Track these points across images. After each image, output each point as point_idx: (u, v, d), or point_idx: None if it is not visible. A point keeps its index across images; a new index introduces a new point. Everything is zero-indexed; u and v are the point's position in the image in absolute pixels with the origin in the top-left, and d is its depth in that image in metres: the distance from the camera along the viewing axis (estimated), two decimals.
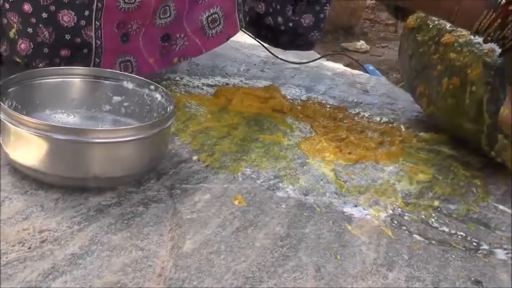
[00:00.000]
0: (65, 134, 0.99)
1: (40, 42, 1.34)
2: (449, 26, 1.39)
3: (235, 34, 1.46)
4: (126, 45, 1.38)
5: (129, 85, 1.23)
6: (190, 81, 1.60)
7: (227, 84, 1.62)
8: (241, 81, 1.66)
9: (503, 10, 1.20)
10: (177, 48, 1.46)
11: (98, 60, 1.39)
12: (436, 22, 1.44)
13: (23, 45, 1.33)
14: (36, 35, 1.33)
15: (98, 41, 1.37)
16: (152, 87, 1.21)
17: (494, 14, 1.21)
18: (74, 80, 1.23)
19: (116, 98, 1.23)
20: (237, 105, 1.44)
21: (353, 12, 4.26)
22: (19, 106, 1.13)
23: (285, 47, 1.65)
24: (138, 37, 1.40)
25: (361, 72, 2.00)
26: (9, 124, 1.01)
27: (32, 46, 1.33)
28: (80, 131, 1.02)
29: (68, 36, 1.33)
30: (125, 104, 1.23)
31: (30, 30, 1.31)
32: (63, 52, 1.35)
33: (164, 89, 1.20)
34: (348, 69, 2.01)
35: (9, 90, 1.12)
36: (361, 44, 3.90)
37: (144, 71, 1.44)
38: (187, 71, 1.69)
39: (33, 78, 1.18)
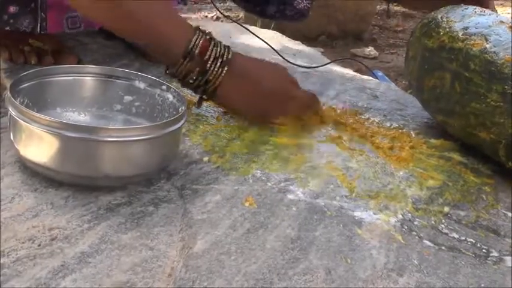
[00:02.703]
0: (76, 132, 0.99)
1: None
2: (462, 34, 1.38)
3: None
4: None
5: (141, 85, 1.23)
6: None
7: None
8: None
9: (200, 57, 1.26)
10: None
11: (43, 16, 1.42)
12: (448, 29, 1.43)
13: None
14: None
15: None
16: (164, 87, 1.21)
17: (193, 60, 1.26)
18: (86, 78, 1.22)
19: (127, 98, 1.23)
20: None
21: (362, 18, 4.26)
22: (30, 103, 1.13)
23: (274, 17, 1.66)
24: None
25: (370, 78, 2.00)
26: (21, 121, 1.01)
27: None
28: (91, 129, 1.02)
29: None
30: (136, 103, 1.23)
31: None
32: (12, 9, 1.37)
33: (176, 89, 1.20)
34: (358, 74, 2.01)
35: (21, 87, 1.12)
36: (370, 50, 3.90)
37: (91, 25, 1.53)
38: None
39: (44, 76, 1.18)
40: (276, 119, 1.36)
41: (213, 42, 1.28)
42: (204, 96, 1.33)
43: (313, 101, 1.43)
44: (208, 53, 1.26)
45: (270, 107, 1.36)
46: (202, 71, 1.27)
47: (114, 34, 1.77)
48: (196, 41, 1.26)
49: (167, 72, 1.32)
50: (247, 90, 1.32)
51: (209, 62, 1.26)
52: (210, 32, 1.31)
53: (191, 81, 1.28)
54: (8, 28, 1.46)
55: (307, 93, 1.41)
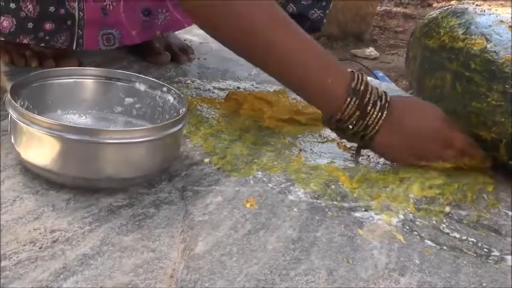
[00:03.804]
0: (77, 134, 0.99)
1: (24, 17, 1.35)
2: (462, 34, 1.38)
3: None
4: (107, 18, 1.40)
5: (142, 87, 1.23)
6: (202, 85, 1.60)
7: (238, 88, 1.62)
8: (252, 85, 1.65)
9: (363, 99, 1.20)
10: (159, 22, 1.53)
11: (80, 33, 1.42)
12: (448, 29, 1.43)
13: (5, 23, 1.34)
14: (20, 10, 1.33)
15: (80, 13, 1.40)
16: (165, 89, 1.21)
17: (356, 103, 1.20)
18: (86, 80, 1.22)
19: (128, 100, 1.23)
20: (248, 109, 1.44)
21: (363, 19, 4.25)
22: (31, 106, 1.13)
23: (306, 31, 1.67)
24: (118, 10, 1.44)
25: (371, 79, 2.00)
26: (22, 123, 1.01)
27: (15, 22, 1.34)
28: (92, 131, 1.02)
29: (52, 9, 1.34)
30: (137, 105, 1.23)
31: (13, 5, 1.32)
32: (48, 26, 1.37)
33: (177, 91, 1.19)
34: (372, 85, 2.00)
35: (22, 90, 1.13)
36: (371, 51, 3.90)
37: (126, 42, 1.50)
38: (198, 74, 1.69)
39: (45, 79, 1.18)
40: (432, 162, 1.29)
41: (370, 84, 1.24)
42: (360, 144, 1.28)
43: (471, 147, 1.32)
44: (368, 95, 1.21)
45: (429, 153, 1.29)
46: (363, 114, 1.21)
47: None
48: (359, 78, 1.22)
49: (324, 121, 1.27)
50: (406, 135, 1.26)
51: (370, 105, 1.20)
52: (363, 72, 1.27)
53: (351, 126, 1.22)
54: (43, 44, 1.46)
55: (466, 138, 1.32)
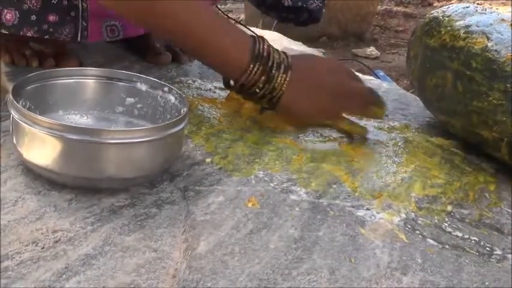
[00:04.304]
0: (79, 134, 0.99)
1: (27, 9, 1.35)
2: (463, 32, 1.38)
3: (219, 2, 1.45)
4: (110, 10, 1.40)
5: (143, 87, 1.23)
6: (203, 84, 1.60)
7: None
8: None
9: (266, 62, 1.23)
10: None
11: (85, 24, 1.42)
12: (449, 28, 1.43)
13: (8, 16, 1.34)
14: (23, 3, 1.34)
15: (84, 4, 1.40)
16: (166, 89, 1.21)
17: (260, 69, 1.23)
18: (88, 81, 1.22)
19: (129, 100, 1.23)
20: (249, 109, 1.44)
21: (363, 18, 4.26)
22: (32, 106, 1.13)
23: (304, 24, 1.68)
24: None
25: (372, 78, 2.00)
26: (24, 124, 1.01)
27: (18, 15, 1.34)
28: (94, 131, 1.02)
29: (55, 0, 1.34)
30: (138, 105, 1.23)
31: None
32: (51, 17, 1.37)
33: (178, 91, 1.19)
34: (360, 74, 2.00)
35: (23, 90, 1.13)
36: (372, 50, 3.90)
37: (130, 34, 1.50)
38: (199, 74, 1.69)
39: (47, 79, 1.18)
40: (341, 118, 1.34)
41: (271, 48, 1.27)
42: (265, 106, 1.32)
43: (371, 94, 1.39)
44: (271, 59, 1.24)
45: (335, 107, 1.33)
46: (268, 78, 1.24)
47: None
48: (260, 45, 1.25)
49: (229, 85, 1.32)
50: (310, 93, 1.29)
51: (274, 69, 1.24)
52: (263, 37, 1.29)
53: (257, 90, 1.26)
54: (47, 37, 1.45)
55: (367, 87, 1.40)
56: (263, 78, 1.24)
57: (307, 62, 1.35)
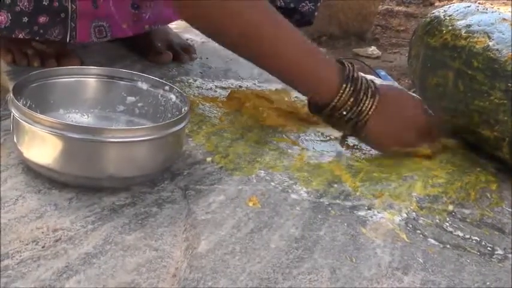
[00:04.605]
0: (79, 133, 0.99)
1: (19, 11, 1.36)
2: (465, 32, 1.38)
3: None
4: (98, 10, 1.42)
5: (144, 86, 1.23)
6: (204, 84, 1.60)
7: (240, 87, 1.62)
8: (255, 84, 1.65)
9: (356, 86, 1.23)
10: (147, 17, 1.55)
11: (73, 25, 1.44)
12: (450, 27, 1.43)
13: (0, 18, 1.36)
14: (15, 5, 1.35)
15: (73, 5, 1.43)
16: (167, 88, 1.21)
17: (351, 90, 1.22)
18: (89, 79, 1.22)
19: (130, 99, 1.23)
20: (250, 108, 1.44)
21: (365, 18, 4.24)
22: (33, 105, 1.13)
23: (297, 26, 1.69)
24: (108, 3, 1.47)
25: (373, 77, 1.99)
26: (24, 123, 1.01)
27: (11, 17, 1.35)
28: (95, 130, 1.02)
29: (45, 2, 1.36)
30: (139, 104, 1.23)
31: (8, 0, 1.34)
32: (42, 19, 1.39)
33: (179, 90, 1.19)
34: (361, 74, 2.00)
35: (24, 89, 1.12)
36: (373, 50, 3.88)
37: (118, 35, 1.51)
38: (200, 74, 1.68)
39: (47, 78, 1.18)
40: (413, 147, 1.33)
41: (359, 72, 1.27)
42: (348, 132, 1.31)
43: (441, 134, 1.39)
44: (360, 82, 1.24)
45: (411, 139, 1.32)
46: (356, 101, 1.23)
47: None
48: (349, 67, 1.25)
49: (314, 110, 1.30)
50: (392, 123, 1.29)
51: (362, 91, 1.23)
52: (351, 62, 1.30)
53: (345, 113, 1.24)
54: (38, 38, 1.47)
55: (439, 127, 1.39)
56: (351, 100, 1.22)
57: (392, 91, 1.35)
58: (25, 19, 1.40)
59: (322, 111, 1.26)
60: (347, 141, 1.34)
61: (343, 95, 1.22)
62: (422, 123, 1.33)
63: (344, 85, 1.22)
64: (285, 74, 1.30)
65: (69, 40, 1.49)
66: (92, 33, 1.50)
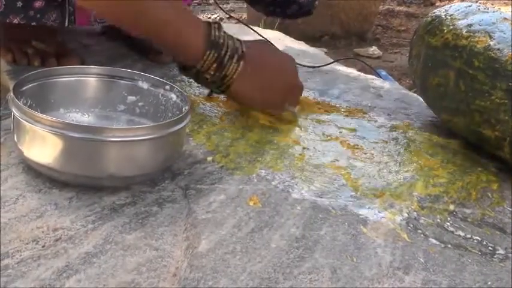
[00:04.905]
0: (80, 132, 0.99)
1: None
2: (466, 31, 1.38)
3: None
4: None
5: (144, 85, 1.22)
6: None
7: None
8: None
9: (219, 53, 1.27)
10: None
11: (71, 9, 1.43)
12: (451, 27, 1.42)
13: None
14: None
15: None
16: (167, 87, 1.21)
17: (214, 56, 1.26)
18: (89, 79, 1.22)
19: (131, 98, 1.23)
20: (249, 108, 1.44)
21: (365, 18, 4.25)
22: (34, 104, 1.13)
23: (293, 16, 1.69)
24: None
25: (374, 77, 1.99)
26: (24, 122, 1.00)
27: (5, 2, 1.35)
28: (95, 129, 1.02)
29: None
30: (140, 103, 1.23)
31: None
32: (37, 3, 1.38)
33: (179, 89, 1.19)
34: (361, 73, 2.00)
35: (24, 88, 1.12)
36: (374, 50, 3.89)
37: None
38: None
39: (48, 77, 1.18)
40: (281, 109, 1.42)
41: (227, 35, 1.30)
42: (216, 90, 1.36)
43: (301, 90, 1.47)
44: (226, 47, 1.27)
45: (279, 99, 1.39)
46: (220, 65, 1.27)
47: (117, 35, 1.77)
48: (215, 32, 1.27)
49: (181, 70, 1.34)
50: (260, 83, 1.33)
51: (227, 56, 1.27)
52: (220, 24, 1.32)
53: (208, 77, 1.29)
54: (34, 23, 1.46)
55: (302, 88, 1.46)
56: (215, 65, 1.27)
57: (260, 53, 1.37)
58: (19, 3, 1.39)
59: (188, 72, 1.32)
60: (212, 96, 1.47)
61: (207, 61, 1.26)
62: (289, 86, 1.40)
63: (208, 52, 1.26)
64: (152, 35, 1.32)
65: (68, 25, 1.48)
66: (92, 17, 1.49)
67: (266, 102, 1.38)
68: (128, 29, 1.39)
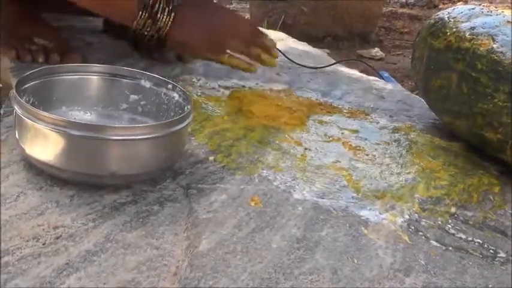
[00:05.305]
0: (82, 131, 0.98)
1: None
2: (469, 34, 1.38)
3: None
4: None
5: (147, 84, 1.22)
6: (207, 83, 1.60)
7: (243, 86, 1.62)
8: (257, 84, 1.65)
9: (151, 10, 1.41)
10: None
11: None
12: (454, 29, 1.42)
13: None
14: None
15: None
16: (170, 86, 1.21)
17: (146, 14, 1.40)
18: (92, 77, 1.22)
19: (133, 97, 1.23)
20: (252, 108, 1.44)
21: (369, 19, 4.24)
22: (36, 102, 1.13)
23: None
24: None
25: (376, 79, 1.99)
26: (27, 119, 1.00)
27: None
28: (97, 127, 1.02)
29: None
30: (142, 102, 1.23)
31: None
32: None
33: (182, 88, 1.19)
34: (364, 75, 2.00)
35: (27, 86, 1.12)
36: (376, 52, 3.89)
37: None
38: (203, 73, 1.68)
39: (50, 75, 1.18)
40: (223, 53, 1.51)
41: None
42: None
43: (257, 34, 1.57)
44: (157, 5, 1.40)
45: (217, 43, 1.51)
46: (153, 21, 1.41)
47: (119, 34, 1.77)
48: None
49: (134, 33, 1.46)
50: (196, 29, 1.48)
51: (159, 12, 1.41)
52: None
53: (145, 33, 1.43)
54: None
55: (254, 29, 1.59)
56: (149, 21, 1.41)
57: (195, 6, 1.51)
58: None
59: (133, 35, 1.46)
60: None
61: (140, 20, 1.40)
62: (228, 29, 1.53)
63: (140, 12, 1.40)
64: (94, 8, 1.48)
65: None
66: None
67: (203, 46, 1.50)
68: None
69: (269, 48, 1.56)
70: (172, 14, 1.42)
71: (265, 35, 1.58)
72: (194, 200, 1.06)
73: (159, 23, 1.42)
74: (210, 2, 1.58)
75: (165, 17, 1.42)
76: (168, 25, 1.43)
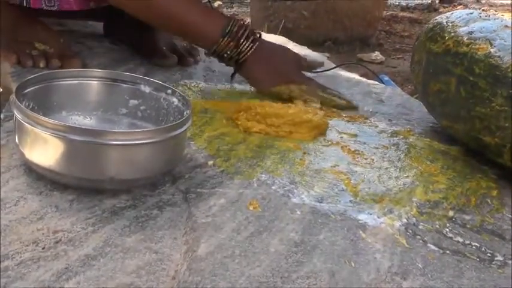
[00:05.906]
0: (82, 135, 0.99)
1: None
2: (467, 38, 1.38)
3: None
4: None
5: (146, 89, 1.23)
6: (207, 87, 1.60)
7: (243, 90, 1.62)
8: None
9: (236, 35, 1.54)
10: None
11: None
12: (453, 34, 1.43)
13: None
14: None
15: None
16: (169, 91, 1.21)
17: (229, 40, 1.54)
18: (91, 82, 1.23)
19: (133, 102, 1.23)
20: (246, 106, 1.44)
21: (369, 23, 4.25)
22: (36, 107, 1.13)
23: None
24: None
25: (376, 82, 2.00)
26: (27, 124, 1.01)
27: None
28: (97, 132, 1.02)
29: None
30: (142, 107, 1.23)
31: None
32: None
33: (181, 93, 1.20)
34: (364, 79, 2.01)
35: (27, 91, 1.13)
36: (377, 55, 3.89)
37: (64, 7, 1.57)
38: (203, 77, 1.69)
39: (50, 80, 1.18)
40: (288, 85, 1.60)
41: (245, 27, 1.55)
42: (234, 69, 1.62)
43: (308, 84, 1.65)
44: (241, 33, 1.54)
45: (281, 79, 1.60)
46: (236, 45, 1.54)
47: (120, 39, 1.78)
48: (233, 22, 1.54)
49: (205, 53, 1.62)
50: (268, 65, 1.60)
51: (243, 39, 1.54)
52: (239, 20, 1.58)
53: (225, 55, 1.56)
54: None
55: (306, 79, 1.66)
56: (232, 44, 1.54)
57: (273, 44, 1.68)
58: None
59: (211, 54, 1.59)
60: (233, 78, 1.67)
61: (222, 43, 1.53)
62: (288, 74, 1.63)
63: (221, 39, 1.53)
64: (179, 32, 1.65)
65: (25, 5, 1.57)
66: (43, 1, 1.57)
67: (267, 78, 1.60)
68: (147, 21, 1.59)
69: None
70: (255, 45, 1.56)
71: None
72: (193, 204, 1.07)
73: (241, 47, 1.55)
74: (284, 46, 1.75)
75: (247, 44, 1.55)
76: (250, 51, 1.56)
